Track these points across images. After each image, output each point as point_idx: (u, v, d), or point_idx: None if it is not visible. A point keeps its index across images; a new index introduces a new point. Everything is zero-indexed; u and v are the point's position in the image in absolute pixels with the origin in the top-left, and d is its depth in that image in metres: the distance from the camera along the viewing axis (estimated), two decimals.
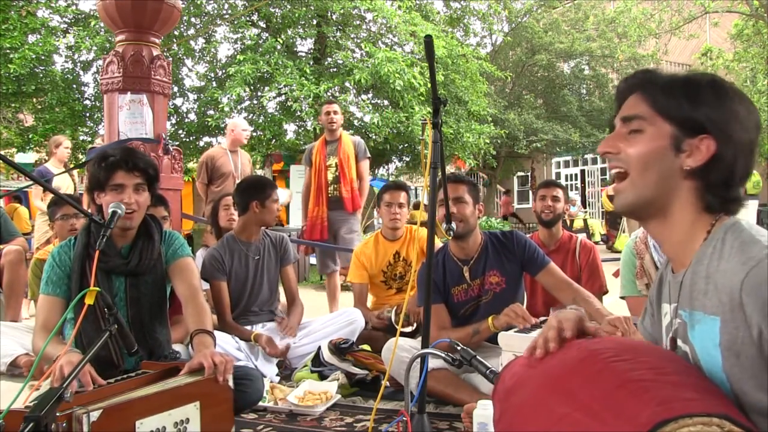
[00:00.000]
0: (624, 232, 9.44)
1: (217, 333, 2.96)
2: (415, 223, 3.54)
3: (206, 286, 3.47)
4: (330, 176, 4.68)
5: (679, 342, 1.11)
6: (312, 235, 4.67)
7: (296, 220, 10.87)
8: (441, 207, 2.40)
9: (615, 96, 1.20)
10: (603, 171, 18.49)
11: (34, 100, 10.86)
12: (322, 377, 2.83)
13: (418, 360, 1.83)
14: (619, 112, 1.15)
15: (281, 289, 3.51)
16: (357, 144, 4.80)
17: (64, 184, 5.49)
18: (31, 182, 5.48)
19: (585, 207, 15.70)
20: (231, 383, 1.85)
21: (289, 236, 3.82)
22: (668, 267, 1.19)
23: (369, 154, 4.97)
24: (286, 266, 3.41)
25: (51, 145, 5.85)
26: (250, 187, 3.35)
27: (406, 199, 3.62)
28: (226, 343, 2.98)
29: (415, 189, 16.82)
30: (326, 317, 3.49)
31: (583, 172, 19.46)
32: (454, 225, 2.48)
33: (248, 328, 3.22)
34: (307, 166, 4.81)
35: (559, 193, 3.35)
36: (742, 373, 0.96)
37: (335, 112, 4.70)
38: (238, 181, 5.11)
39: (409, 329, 3.15)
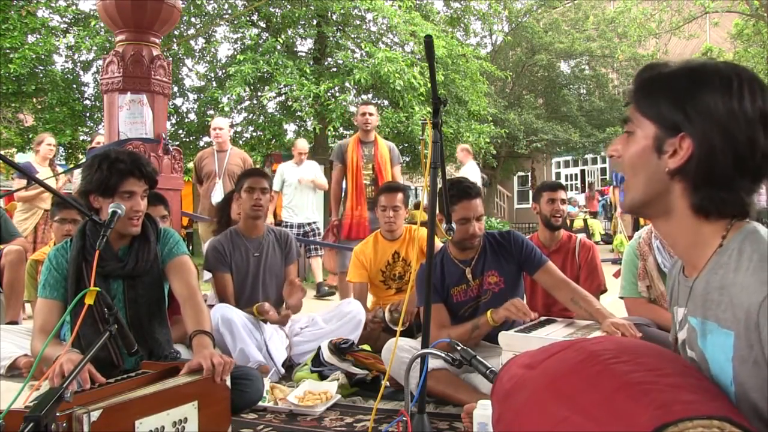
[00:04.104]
0: (621, 232, 9.43)
1: (232, 310, 2.96)
2: (415, 223, 3.53)
3: (207, 276, 3.49)
4: (367, 179, 4.68)
5: (687, 349, 1.10)
6: (354, 233, 4.62)
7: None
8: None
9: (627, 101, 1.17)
10: (603, 171, 18.51)
11: (34, 100, 10.85)
12: (322, 377, 2.83)
13: (418, 360, 1.83)
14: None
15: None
16: (391, 149, 4.85)
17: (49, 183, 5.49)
18: (23, 180, 5.49)
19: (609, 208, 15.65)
20: (228, 383, 1.86)
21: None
22: (678, 268, 1.15)
23: (401, 160, 5.00)
24: (288, 265, 3.42)
25: (35, 142, 5.93)
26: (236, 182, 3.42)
27: (402, 201, 3.60)
28: (242, 324, 2.97)
29: (415, 189, 16.81)
30: (328, 310, 3.49)
31: (583, 172, 19.46)
32: (454, 225, 2.48)
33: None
34: (338, 162, 4.76)
35: (564, 195, 3.35)
36: (753, 389, 0.94)
37: (370, 114, 4.73)
38: (219, 181, 5.16)
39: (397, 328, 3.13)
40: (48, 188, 2.59)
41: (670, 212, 1.05)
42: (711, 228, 1.02)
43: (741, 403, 0.96)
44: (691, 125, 0.98)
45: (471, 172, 7.96)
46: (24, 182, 5.37)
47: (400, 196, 3.60)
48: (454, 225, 2.42)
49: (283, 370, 3.02)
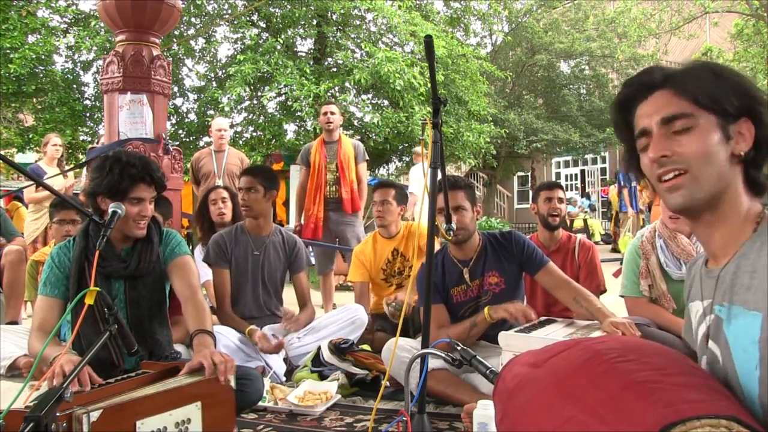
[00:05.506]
0: (629, 231, 9.43)
1: (223, 329, 2.96)
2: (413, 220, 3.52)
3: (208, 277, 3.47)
4: (330, 177, 4.73)
5: (710, 341, 1.09)
6: (305, 233, 4.69)
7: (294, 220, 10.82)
8: (440, 214, 2.37)
9: (622, 100, 1.18)
10: (603, 171, 18.52)
11: (34, 100, 10.86)
12: (322, 377, 2.83)
13: (418, 360, 1.83)
14: (651, 114, 1.11)
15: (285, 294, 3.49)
16: (356, 146, 4.88)
17: (57, 184, 5.48)
18: (30, 182, 5.49)
19: (594, 209, 15.59)
20: (233, 383, 1.85)
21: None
22: (699, 265, 1.17)
23: (367, 157, 5.04)
24: (297, 273, 3.40)
25: (42, 144, 5.95)
26: None
27: (393, 196, 3.59)
28: (230, 340, 2.97)
29: None
30: (329, 314, 3.48)
31: (583, 172, 19.46)
32: (454, 225, 2.47)
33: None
34: (303, 165, 4.84)
35: (562, 194, 3.35)
36: None
37: (332, 113, 4.76)
38: (219, 182, 5.15)
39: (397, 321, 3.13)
40: (48, 188, 2.58)
41: (720, 201, 1.08)
42: (750, 214, 1.07)
43: (765, 386, 0.95)
44: (749, 109, 1.07)
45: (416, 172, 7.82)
46: (33, 186, 5.39)
47: (392, 191, 3.60)
48: (454, 225, 2.42)
49: (284, 379, 3.01)
